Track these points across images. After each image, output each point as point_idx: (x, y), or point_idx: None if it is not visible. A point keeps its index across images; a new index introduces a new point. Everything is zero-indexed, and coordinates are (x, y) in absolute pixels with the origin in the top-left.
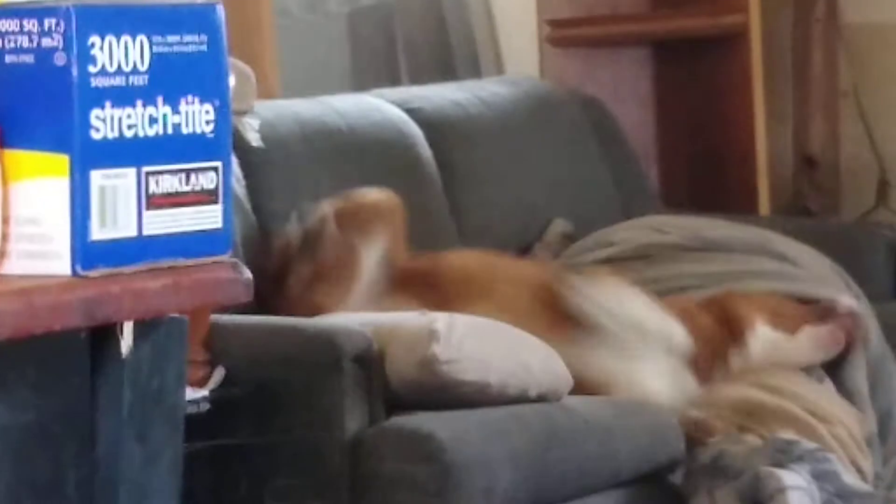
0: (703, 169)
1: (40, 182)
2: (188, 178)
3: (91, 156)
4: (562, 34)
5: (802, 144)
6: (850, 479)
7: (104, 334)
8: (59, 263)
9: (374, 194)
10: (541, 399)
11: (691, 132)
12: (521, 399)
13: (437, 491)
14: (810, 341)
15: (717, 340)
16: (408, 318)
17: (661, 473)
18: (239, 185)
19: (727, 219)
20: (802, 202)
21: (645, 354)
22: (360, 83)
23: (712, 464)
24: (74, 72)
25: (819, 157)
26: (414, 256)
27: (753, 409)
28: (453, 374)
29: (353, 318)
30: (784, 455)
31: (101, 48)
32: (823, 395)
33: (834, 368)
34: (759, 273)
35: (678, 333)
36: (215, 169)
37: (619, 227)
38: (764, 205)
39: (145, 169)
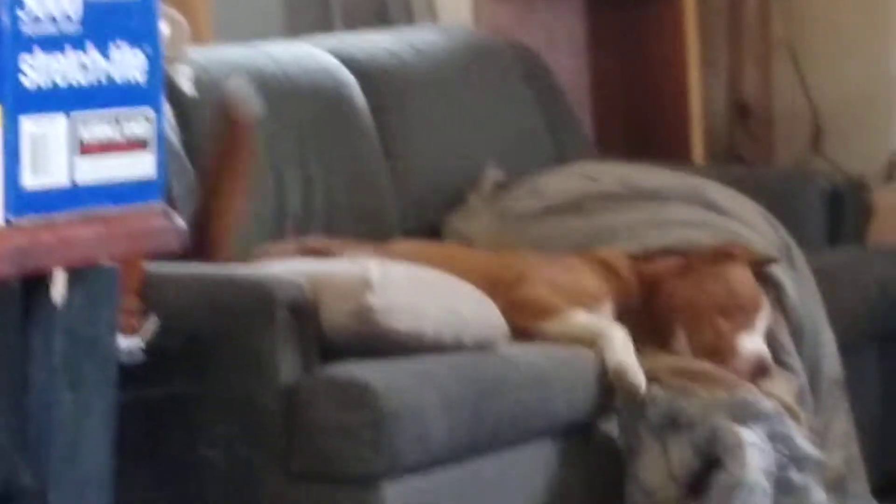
0: (637, 117)
1: None
2: (120, 125)
3: (21, 102)
4: None
5: (736, 93)
6: (802, 442)
7: (36, 283)
8: None
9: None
10: (476, 347)
11: (625, 80)
12: (456, 347)
13: (371, 438)
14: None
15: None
16: (342, 267)
17: (596, 422)
18: (173, 133)
19: (661, 167)
20: (736, 150)
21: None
22: (293, 29)
23: (665, 418)
24: (5, 18)
25: (753, 105)
26: (359, 244)
27: (693, 373)
28: (387, 324)
29: (288, 266)
30: (742, 412)
31: None
32: None
33: None
34: (689, 222)
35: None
36: (147, 116)
37: (551, 176)
38: (698, 153)
39: (76, 115)
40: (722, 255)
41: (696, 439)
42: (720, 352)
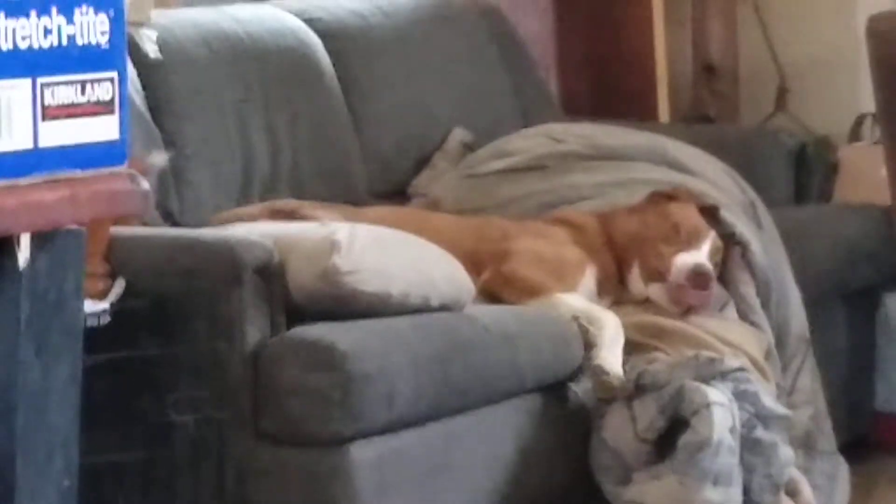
0: (603, 77)
1: None
2: (84, 89)
3: None
4: None
5: (701, 51)
6: (769, 400)
7: (0, 247)
8: None
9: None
10: (443, 309)
11: (590, 40)
12: (424, 309)
13: (339, 400)
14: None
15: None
16: (309, 229)
17: (564, 382)
18: (138, 96)
19: (626, 126)
20: (702, 109)
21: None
22: None
23: (631, 381)
24: None
25: (718, 63)
26: (331, 208)
27: (660, 331)
28: (354, 285)
29: (255, 228)
30: (707, 372)
31: None
32: (721, 322)
33: (728, 289)
34: (653, 182)
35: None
36: (111, 80)
37: (516, 136)
38: (663, 112)
39: (40, 80)
40: (665, 196)
41: (663, 400)
42: (661, 272)
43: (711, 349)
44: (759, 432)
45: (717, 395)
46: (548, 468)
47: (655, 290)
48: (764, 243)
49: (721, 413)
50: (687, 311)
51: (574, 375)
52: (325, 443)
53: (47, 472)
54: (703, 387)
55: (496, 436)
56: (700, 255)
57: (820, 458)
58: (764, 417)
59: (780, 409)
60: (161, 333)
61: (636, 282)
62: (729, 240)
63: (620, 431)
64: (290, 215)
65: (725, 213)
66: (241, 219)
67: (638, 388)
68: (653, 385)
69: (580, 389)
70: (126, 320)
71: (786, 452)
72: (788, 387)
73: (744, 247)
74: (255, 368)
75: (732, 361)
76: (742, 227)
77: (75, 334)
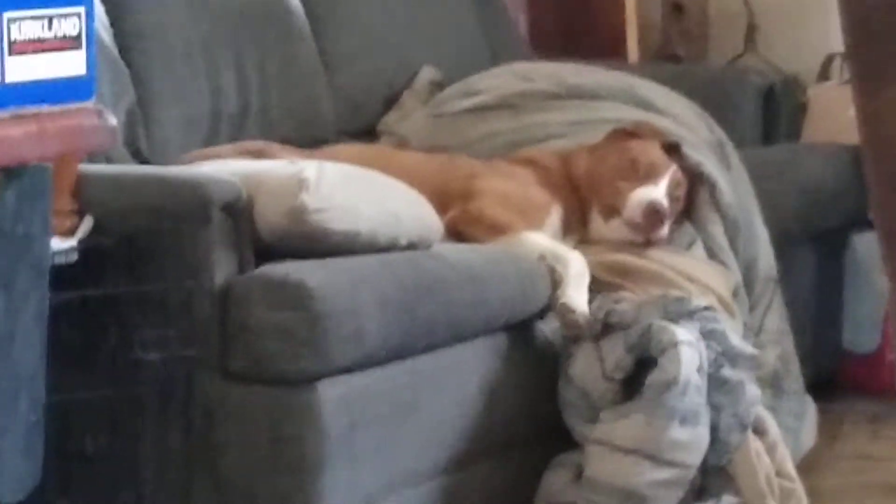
0: (572, 16)
1: None
2: (51, 24)
3: None
4: None
5: None
6: (735, 339)
7: None
8: None
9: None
10: (411, 247)
11: None
12: (392, 247)
13: (306, 338)
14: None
15: (573, 197)
16: (277, 167)
17: (531, 320)
18: (105, 32)
19: (595, 66)
20: (670, 48)
21: None
22: None
23: (598, 321)
24: None
25: (687, 2)
26: (298, 151)
27: (626, 270)
28: (322, 224)
29: (223, 166)
30: (675, 311)
31: None
32: (688, 261)
33: (696, 227)
34: (622, 121)
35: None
36: (78, 15)
37: (485, 75)
38: (633, 51)
39: (6, 15)
40: (626, 132)
41: (630, 339)
42: (617, 208)
43: (678, 288)
44: (727, 371)
45: (685, 334)
46: (515, 407)
47: (614, 227)
48: (732, 183)
49: (688, 352)
50: (647, 244)
51: (541, 314)
52: (292, 381)
53: (13, 408)
54: (671, 326)
55: (464, 374)
56: (657, 190)
57: (787, 398)
58: (731, 356)
59: (748, 349)
60: (128, 271)
61: (596, 220)
62: (697, 178)
63: (587, 370)
64: (259, 155)
65: (689, 150)
66: (210, 158)
67: (605, 328)
68: (620, 324)
69: (547, 328)
70: (93, 258)
71: (753, 391)
72: (756, 327)
73: (711, 185)
74: (223, 306)
75: (700, 300)
76: (710, 165)
77: (42, 270)
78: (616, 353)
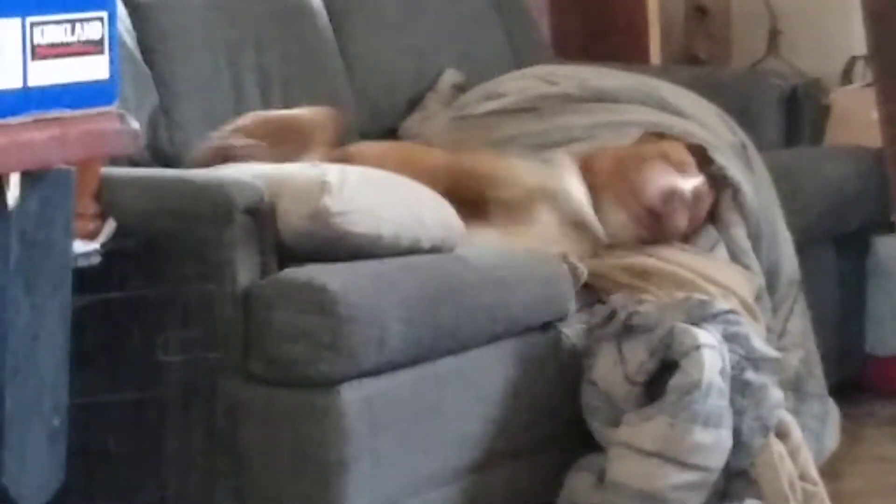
0: (594, 18)
1: None
2: (74, 28)
3: None
4: None
5: None
6: (759, 343)
7: None
8: None
9: (304, 112)
10: (434, 251)
11: None
12: (414, 251)
13: (329, 342)
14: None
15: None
16: (300, 170)
17: (553, 323)
18: (129, 36)
19: (618, 68)
20: (693, 51)
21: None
22: None
23: (621, 324)
24: None
25: (710, 5)
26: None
27: (646, 272)
28: (345, 226)
29: (246, 169)
30: (697, 314)
31: None
32: (711, 263)
33: (718, 230)
34: (645, 123)
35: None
36: (101, 19)
37: (508, 78)
38: (655, 54)
39: (30, 19)
40: (655, 135)
41: (653, 342)
42: (637, 191)
43: (700, 291)
44: (749, 374)
45: (708, 336)
46: (537, 409)
47: (629, 219)
48: (755, 185)
49: (711, 355)
50: (661, 240)
51: (563, 317)
52: (315, 384)
53: (37, 411)
54: (694, 329)
55: (486, 377)
56: (682, 181)
57: (810, 401)
58: (754, 360)
59: (770, 352)
60: (151, 274)
61: (611, 213)
62: (720, 181)
63: (610, 374)
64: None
65: (716, 154)
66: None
67: (627, 330)
68: (643, 326)
69: (569, 331)
70: (116, 261)
71: (775, 395)
72: (779, 329)
73: (734, 188)
74: (246, 309)
75: (723, 303)
76: (733, 168)
77: (64, 274)
78: (638, 356)
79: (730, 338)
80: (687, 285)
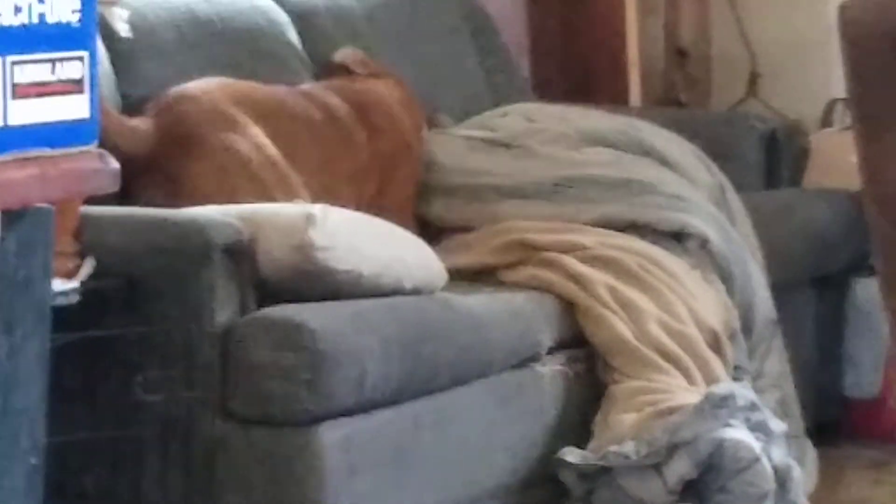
0: (574, 60)
1: None
2: (54, 67)
3: None
4: None
5: (674, 35)
6: (773, 423)
7: None
8: None
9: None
10: (415, 292)
11: (563, 24)
12: (396, 291)
13: (308, 381)
14: None
15: None
16: (284, 206)
17: (531, 364)
18: (107, 76)
19: (599, 110)
20: (674, 94)
21: None
22: None
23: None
24: None
25: (690, 48)
26: None
27: (581, 276)
28: (327, 262)
29: (227, 208)
30: (725, 414)
31: None
32: (693, 281)
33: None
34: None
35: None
36: (81, 58)
37: (491, 115)
38: (635, 96)
39: (10, 58)
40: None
41: (699, 455)
42: None
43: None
44: (776, 458)
45: (754, 441)
46: (516, 450)
47: None
48: (727, 228)
49: (766, 462)
50: None
51: (538, 357)
52: (293, 423)
53: (14, 451)
54: (745, 440)
55: (465, 418)
56: None
57: (788, 442)
58: (772, 441)
59: (780, 426)
60: (130, 313)
61: None
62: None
63: (647, 486)
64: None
65: (683, 216)
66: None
67: (670, 451)
68: (683, 442)
69: (546, 370)
70: (95, 299)
71: (796, 472)
72: (755, 371)
73: (703, 240)
74: (224, 348)
75: (741, 393)
76: (699, 222)
77: (44, 313)
78: (681, 470)
79: (753, 427)
80: (633, 274)
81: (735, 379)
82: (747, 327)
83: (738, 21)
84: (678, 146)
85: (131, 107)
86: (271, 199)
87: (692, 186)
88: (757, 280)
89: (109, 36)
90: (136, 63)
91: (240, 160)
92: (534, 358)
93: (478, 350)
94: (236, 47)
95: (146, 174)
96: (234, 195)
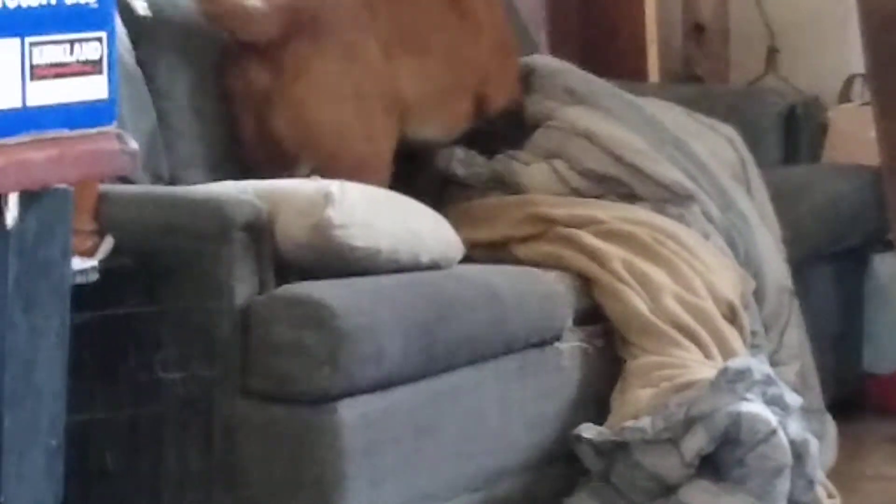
0: (593, 36)
1: None
2: (72, 48)
3: None
4: None
5: (692, 11)
6: (789, 396)
7: None
8: None
9: None
10: (433, 267)
11: (581, 1)
12: (413, 267)
13: (327, 357)
14: None
15: None
16: (301, 184)
17: (551, 341)
18: (129, 55)
19: (617, 86)
20: (691, 69)
21: None
22: None
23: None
24: None
25: (708, 23)
26: None
27: (597, 250)
28: (345, 240)
29: (245, 184)
30: (742, 389)
31: None
32: (707, 251)
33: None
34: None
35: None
36: (99, 39)
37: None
38: (653, 71)
39: (29, 40)
40: None
41: (716, 429)
42: None
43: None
44: (792, 432)
45: (770, 415)
46: (535, 427)
47: None
48: (734, 197)
49: (783, 434)
50: None
51: (560, 335)
52: (312, 401)
53: (34, 431)
54: (762, 414)
55: (484, 394)
56: None
57: (807, 416)
58: (788, 415)
59: (797, 399)
60: (149, 291)
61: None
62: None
63: (663, 461)
64: None
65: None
66: None
67: (687, 425)
68: (700, 416)
69: (565, 348)
70: (114, 278)
71: (813, 445)
72: (775, 343)
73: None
74: (243, 326)
75: (757, 367)
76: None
77: (63, 293)
78: (698, 444)
79: (769, 401)
80: (649, 248)
81: (753, 346)
82: (758, 293)
83: None
84: (699, 124)
85: (151, 79)
86: (370, 116)
87: (691, 154)
88: (765, 248)
89: (128, 14)
90: (157, 41)
91: (363, 62)
92: (555, 335)
93: (497, 326)
94: None
95: (256, 55)
96: (340, 101)
